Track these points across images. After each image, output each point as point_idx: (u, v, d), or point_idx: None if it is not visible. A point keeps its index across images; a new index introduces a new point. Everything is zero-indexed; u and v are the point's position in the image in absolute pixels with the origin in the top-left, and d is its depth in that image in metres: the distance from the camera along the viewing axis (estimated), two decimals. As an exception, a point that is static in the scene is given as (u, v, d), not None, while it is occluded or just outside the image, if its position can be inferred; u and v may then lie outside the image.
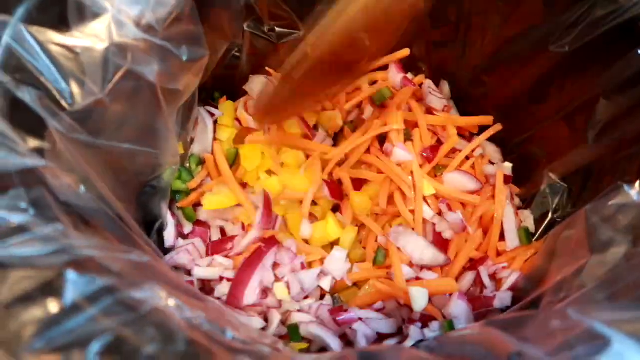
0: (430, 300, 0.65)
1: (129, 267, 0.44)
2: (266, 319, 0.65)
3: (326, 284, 0.68)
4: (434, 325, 0.65)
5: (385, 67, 0.82)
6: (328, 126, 0.77)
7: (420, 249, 0.69)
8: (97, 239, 0.45)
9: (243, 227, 0.71)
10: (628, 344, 0.38)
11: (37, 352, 0.33)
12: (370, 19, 0.56)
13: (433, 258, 0.69)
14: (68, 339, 0.34)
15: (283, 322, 0.66)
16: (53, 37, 0.49)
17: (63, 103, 0.49)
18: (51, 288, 0.36)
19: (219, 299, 0.65)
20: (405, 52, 0.80)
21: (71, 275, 0.37)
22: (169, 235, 0.69)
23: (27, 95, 0.46)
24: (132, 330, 0.36)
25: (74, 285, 0.36)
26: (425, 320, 0.66)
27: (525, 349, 0.41)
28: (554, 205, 0.72)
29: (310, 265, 0.69)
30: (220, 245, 0.70)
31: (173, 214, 0.71)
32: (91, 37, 0.50)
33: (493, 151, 0.81)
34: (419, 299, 0.64)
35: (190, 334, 0.37)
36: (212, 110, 0.77)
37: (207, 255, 0.69)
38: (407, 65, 0.83)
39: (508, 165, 0.77)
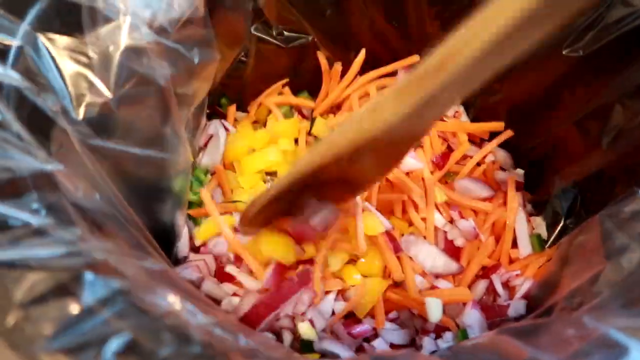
0: (443, 309, 0.64)
1: (142, 272, 0.44)
2: (276, 333, 0.63)
3: (340, 307, 0.65)
4: (448, 335, 0.65)
5: (394, 74, 0.82)
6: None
7: (432, 258, 0.68)
8: (112, 244, 0.45)
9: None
10: (647, 352, 0.37)
11: (53, 353, 0.33)
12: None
13: (445, 266, 0.68)
14: (84, 340, 0.34)
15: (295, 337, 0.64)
16: (66, 42, 0.49)
17: (77, 109, 0.49)
18: (68, 290, 0.36)
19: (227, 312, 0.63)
20: (414, 58, 0.80)
21: (89, 276, 0.37)
22: (183, 246, 0.69)
23: (43, 100, 0.47)
24: (147, 332, 0.36)
25: (91, 287, 0.37)
26: (439, 331, 0.65)
27: (540, 356, 0.40)
28: (566, 212, 0.72)
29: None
30: (228, 275, 0.66)
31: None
32: (104, 41, 0.51)
33: (504, 157, 0.81)
34: (434, 309, 0.63)
35: (204, 337, 0.37)
36: (226, 124, 0.78)
37: (216, 276, 0.67)
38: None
39: (520, 171, 0.77)
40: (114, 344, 0.34)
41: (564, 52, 0.64)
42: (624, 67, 0.60)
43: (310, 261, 0.64)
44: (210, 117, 0.79)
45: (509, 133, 0.78)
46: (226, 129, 0.76)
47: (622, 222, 0.54)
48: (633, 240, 0.52)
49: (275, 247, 0.63)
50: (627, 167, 0.61)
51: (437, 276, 0.69)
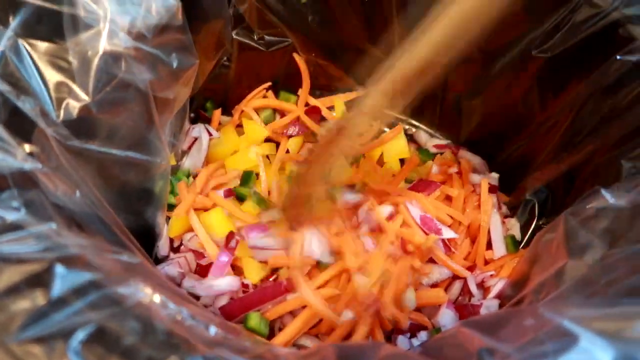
0: (420, 310, 0.67)
1: (118, 266, 0.46)
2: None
3: None
4: (422, 335, 0.66)
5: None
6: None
7: None
8: (88, 240, 0.47)
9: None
10: (595, 340, 0.39)
11: (23, 342, 0.35)
12: None
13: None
14: (53, 330, 0.36)
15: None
16: (48, 47, 0.51)
17: (57, 112, 0.51)
18: (39, 281, 0.38)
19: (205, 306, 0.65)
20: None
21: (60, 269, 0.38)
22: (163, 246, 0.70)
23: (23, 102, 0.49)
24: (114, 322, 0.37)
25: (62, 279, 0.38)
26: (414, 330, 0.66)
27: (494, 345, 0.42)
28: (538, 212, 0.73)
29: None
30: (207, 270, 0.68)
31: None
32: (84, 47, 0.52)
33: (478, 164, 0.82)
34: (410, 299, 0.65)
35: (172, 327, 0.39)
36: (210, 129, 0.79)
37: (196, 272, 0.69)
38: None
39: (495, 175, 0.79)
40: (82, 333, 0.36)
41: (533, 53, 0.66)
42: (590, 68, 0.61)
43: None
44: (195, 121, 0.81)
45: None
46: (209, 134, 0.78)
47: (586, 220, 0.55)
48: (595, 236, 0.53)
49: (218, 221, 0.69)
50: (594, 167, 0.63)
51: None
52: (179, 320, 0.43)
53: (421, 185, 0.74)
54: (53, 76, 0.51)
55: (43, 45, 0.51)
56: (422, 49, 0.51)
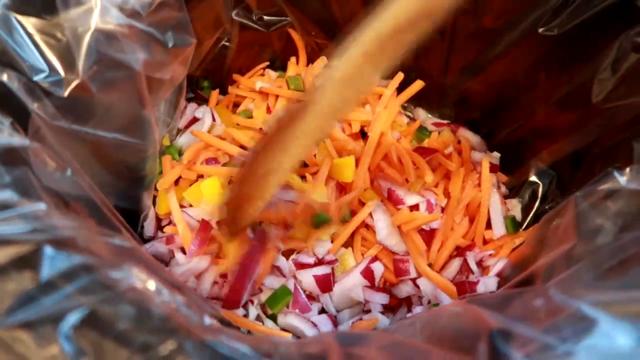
0: (417, 285, 0.66)
1: (110, 249, 0.44)
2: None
3: None
4: (418, 310, 0.65)
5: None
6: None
7: (388, 230, 0.69)
8: (78, 221, 0.44)
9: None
10: (615, 324, 0.37)
11: (9, 327, 0.33)
12: None
13: (396, 245, 0.69)
14: (42, 314, 0.33)
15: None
16: (38, 23, 0.49)
17: (46, 90, 0.49)
18: (27, 264, 0.35)
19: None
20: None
21: (49, 251, 0.36)
22: (149, 226, 0.69)
23: (10, 79, 0.46)
24: (107, 306, 0.35)
25: (52, 261, 0.36)
26: (410, 304, 0.66)
27: (511, 326, 0.40)
28: (543, 194, 0.72)
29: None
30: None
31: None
32: (75, 24, 0.50)
33: (477, 143, 0.81)
34: None
35: (167, 312, 0.37)
36: (215, 115, 0.76)
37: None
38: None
39: (496, 154, 0.77)
40: (73, 318, 0.34)
41: (539, 31, 0.63)
42: (600, 45, 0.59)
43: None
44: (190, 100, 0.79)
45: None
46: (214, 119, 0.76)
47: (597, 203, 0.53)
48: (607, 220, 0.51)
49: (209, 189, 0.66)
50: (603, 147, 0.61)
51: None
52: (173, 307, 0.40)
53: (419, 153, 0.72)
54: (40, 52, 0.49)
55: (32, 20, 0.49)
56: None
